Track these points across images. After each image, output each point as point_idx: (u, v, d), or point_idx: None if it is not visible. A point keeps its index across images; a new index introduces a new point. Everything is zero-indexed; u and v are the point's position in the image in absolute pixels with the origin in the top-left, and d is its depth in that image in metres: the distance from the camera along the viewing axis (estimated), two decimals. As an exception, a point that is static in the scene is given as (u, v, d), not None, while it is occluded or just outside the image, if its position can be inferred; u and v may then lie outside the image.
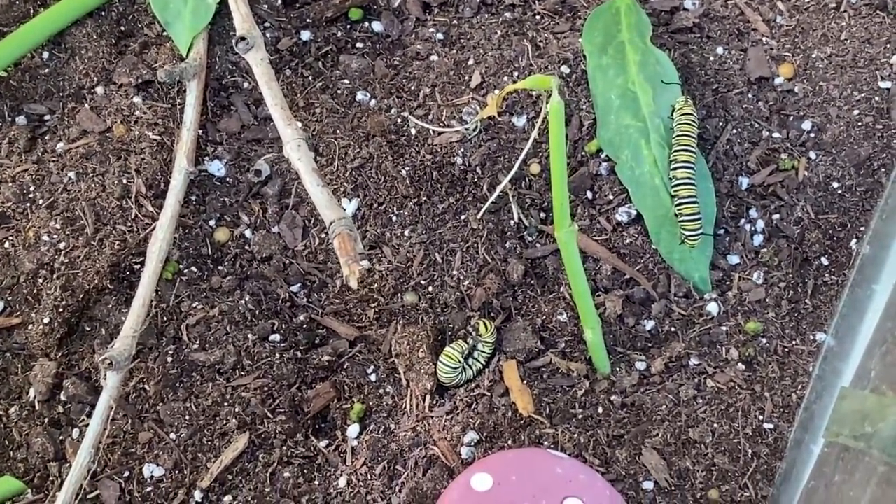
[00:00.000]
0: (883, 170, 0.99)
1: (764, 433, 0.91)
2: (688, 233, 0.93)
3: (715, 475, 0.89)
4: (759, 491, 0.89)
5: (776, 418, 0.91)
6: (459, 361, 0.90)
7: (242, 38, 0.93)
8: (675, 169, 0.94)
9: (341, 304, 0.95)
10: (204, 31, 1.00)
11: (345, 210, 0.87)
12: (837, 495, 0.88)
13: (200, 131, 0.98)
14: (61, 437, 0.91)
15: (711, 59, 1.04)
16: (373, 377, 0.93)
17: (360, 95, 1.01)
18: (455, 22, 1.05)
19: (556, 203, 0.84)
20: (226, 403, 0.90)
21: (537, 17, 1.05)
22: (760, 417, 0.91)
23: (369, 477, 0.88)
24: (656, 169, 0.96)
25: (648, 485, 0.88)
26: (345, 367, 0.93)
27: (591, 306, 0.89)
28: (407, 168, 0.97)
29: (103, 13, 1.02)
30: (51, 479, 0.90)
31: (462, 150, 0.98)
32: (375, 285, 0.94)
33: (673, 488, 0.88)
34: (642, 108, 0.98)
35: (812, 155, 1.00)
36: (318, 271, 0.95)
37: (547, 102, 0.80)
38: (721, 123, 1.01)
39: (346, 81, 1.02)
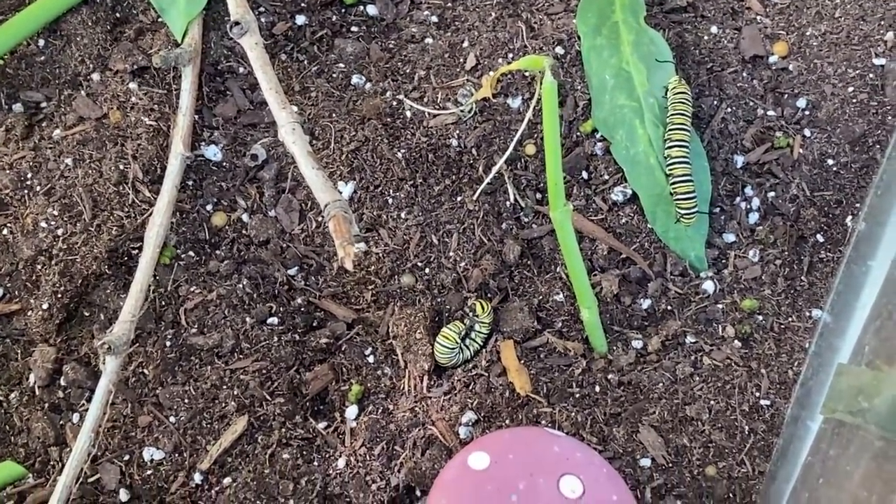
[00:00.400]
0: (878, 146, 1.00)
1: (761, 410, 0.91)
2: (683, 211, 0.93)
3: (712, 452, 0.89)
4: (756, 467, 0.89)
5: (773, 395, 0.92)
6: (456, 342, 0.90)
7: (237, 23, 0.93)
8: (669, 148, 0.94)
9: (339, 286, 0.95)
10: (199, 16, 1.00)
11: (340, 193, 0.87)
12: (834, 470, 0.88)
13: (196, 116, 0.99)
14: (61, 422, 0.91)
15: (706, 38, 1.04)
16: (371, 359, 0.93)
17: (355, 79, 1.01)
18: (449, 4, 1.06)
19: (550, 183, 0.84)
20: (224, 386, 0.91)
21: (531, -2, 1.05)
22: (757, 394, 0.92)
23: (368, 457, 0.89)
24: (651, 148, 0.96)
25: (646, 462, 0.89)
26: (343, 349, 0.93)
27: (588, 286, 0.90)
28: (403, 151, 0.97)
29: (98, 0, 1.03)
30: (51, 463, 0.90)
31: (457, 132, 0.98)
32: (372, 267, 0.94)
33: (670, 465, 0.89)
34: (636, 87, 0.98)
35: (807, 132, 1.00)
36: (315, 254, 0.96)
37: (541, 83, 0.81)
38: (716, 102, 1.01)
39: (342, 65, 1.02)
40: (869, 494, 0.86)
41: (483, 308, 0.91)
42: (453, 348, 0.90)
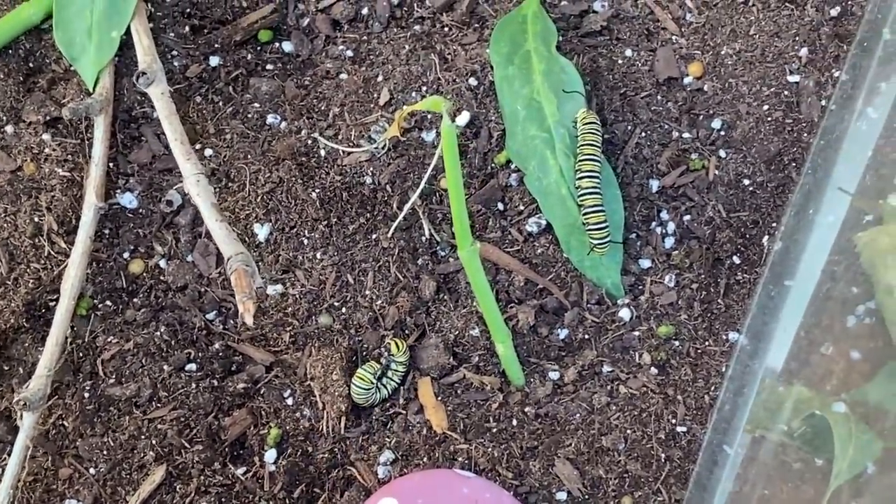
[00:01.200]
0: (793, 164, 1.00)
1: (677, 437, 0.92)
2: (595, 241, 0.93)
3: (628, 482, 0.90)
4: (672, 495, 0.90)
5: (689, 421, 0.93)
6: (372, 382, 0.91)
7: (143, 73, 0.94)
8: (580, 178, 0.94)
9: (257, 329, 0.96)
10: (110, 63, 1.00)
11: (246, 243, 0.88)
12: (750, 496, 0.89)
13: (111, 164, 0.99)
14: (-15, 477, 0.92)
15: (620, 62, 1.04)
16: (289, 401, 0.94)
17: (270, 118, 1.02)
18: (364, 38, 1.06)
19: (456, 224, 0.84)
20: (142, 436, 0.91)
21: (445, 28, 1.05)
22: (673, 421, 0.92)
23: (287, 501, 0.90)
24: (562, 179, 0.97)
25: (562, 495, 0.90)
26: (261, 392, 0.94)
27: (500, 322, 0.90)
28: (317, 190, 0.98)
29: (10, 51, 1.03)
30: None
31: (371, 169, 0.98)
32: (289, 309, 0.95)
33: (586, 497, 0.90)
34: (547, 118, 0.98)
35: (722, 153, 1.00)
36: (232, 297, 0.96)
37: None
38: (629, 127, 1.01)
39: (257, 105, 1.03)
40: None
41: (398, 347, 0.92)
42: (369, 388, 0.91)
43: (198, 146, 0.99)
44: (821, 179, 0.98)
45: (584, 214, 0.94)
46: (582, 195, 0.94)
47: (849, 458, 0.86)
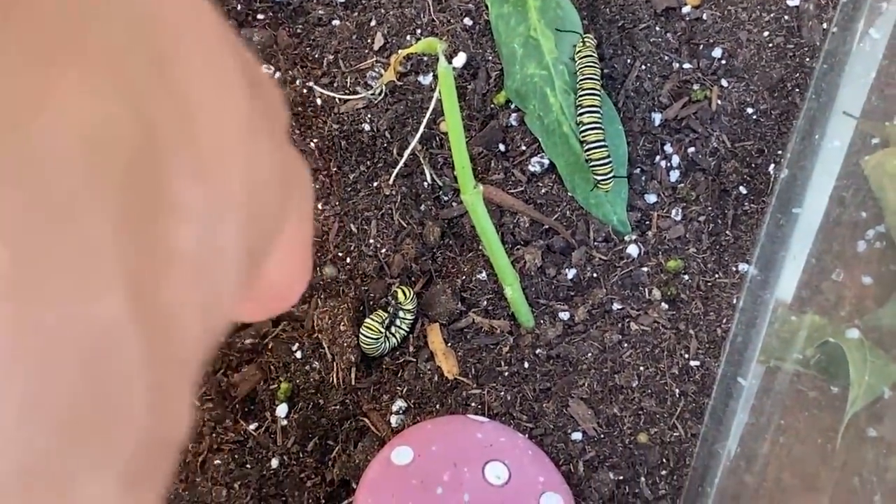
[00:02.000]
0: (797, 90, 0.99)
1: (690, 371, 0.91)
2: (599, 177, 0.92)
3: (643, 419, 0.90)
4: (688, 430, 0.90)
5: (702, 355, 0.92)
6: (380, 331, 0.90)
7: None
8: (581, 114, 0.93)
9: (262, 283, 0.95)
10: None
11: None
12: (767, 426, 0.88)
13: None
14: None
15: (616, -6, 1.02)
16: (298, 354, 0.93)
17: (263, 69, 1.00)
18: (355, -18, 1.04)
19: (458, 168, 0.83)
20: (152, 397, 0.91)
21: (437, -31, 1.03)
22: (686, 356, 0.92)
23: (301, 454, 0.89)
24: (564, 116, 0.95)
25: (577, 435, 0.89)
26: (269, 347, 0.93)
27: (507, 264, 0.89)
28: (315, 140, 0.96)
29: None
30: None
31: (369, 115, 0.97)
32: (294, 262, 0.94)
33: (602, 436, 0.89)
34: (545, 55, 0.97)
35: (724, 83, 0.99)
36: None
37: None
38: (629, 61, 1.00)
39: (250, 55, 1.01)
40: (804, 447, 0.87)
41: (405, 295, 0.90)
42: (377, 338, 0.90)
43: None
44: (825, 104, 0.97)
45: (587, 150, 0.92)
46: (584, 131, 0.93)
47: (864, 383, 0.85)
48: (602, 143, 0.92)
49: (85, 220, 0.22)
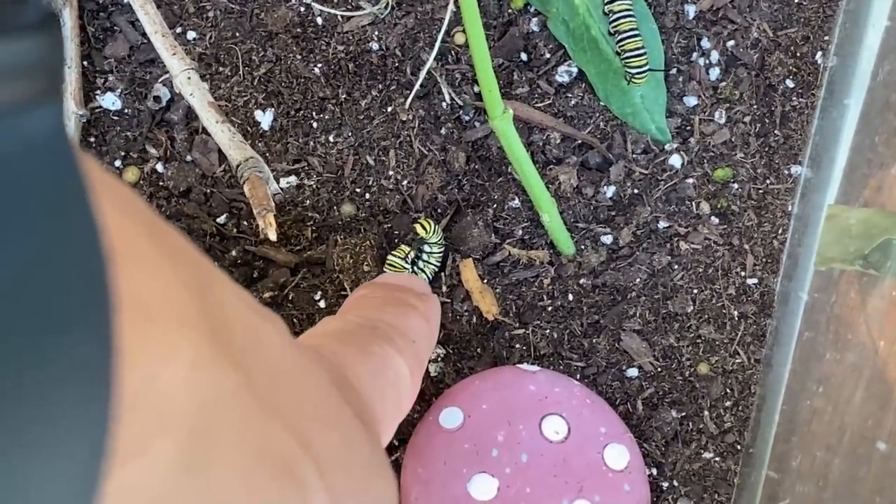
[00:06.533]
0: (841, -33, 0.90)
1: (749, 290, 0.84)
2: (633, 71, 0.83)
3: (702, 347, 0.83)
4: (751, 356, 0.83)
5: (760, 271, 0.85)
6: (404, 266, 0.82)
7: (106, -43, 0.82)
8: (610, 2, 0.84)
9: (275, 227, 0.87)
10: (66, -53, 0.88)
11: (251, 149, 0.77)
12: (834, 343, 0.82)
13: (86, 63, 0.88)
14: None
15: None
16: (322, 303, 0.85)
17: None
18: None
19: (483, 90, 0.74)
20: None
21: None
22: (743, 274, 0.84)
23: (337, 414, 0.82)
24: (591, 19, 0.86)
25: (633, 372, 0.82)
26: (290, 298, 0.85)
27: (543, 189, 0.81)
28: (320, 65, 0.87)
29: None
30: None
31: (376, 33, 0.88)
32: (308, 202, 0.85)
33: (659, 370, 0.83)
34: (566, -49, 0.87)
35: (762, -35, 0.90)
36: (243, 196, 0.87)
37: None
38: (657, -52, 0.90)
39: (237, -28, 0.91)
40: (874, 359, 0.81)
41: (426, 228, 0.82)
42: (402, 272, 0.82)
43: (178, 30, 0.88)
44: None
45: (619, 41, 0.83)
46: (614, 21, 0.84)
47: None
48: (636, 32, 0.83)
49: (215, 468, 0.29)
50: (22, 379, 0.21)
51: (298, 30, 0.88)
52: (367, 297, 0.71)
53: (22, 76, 0.24)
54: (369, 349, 0.59)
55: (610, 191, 0.86)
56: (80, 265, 0.23)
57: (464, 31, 0.87)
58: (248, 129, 0.86)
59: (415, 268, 0.83)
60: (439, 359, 0.82)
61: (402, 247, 0.83)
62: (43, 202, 0.23)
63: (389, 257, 0.83)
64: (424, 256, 0.83)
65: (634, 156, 0.87)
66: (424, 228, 0.82)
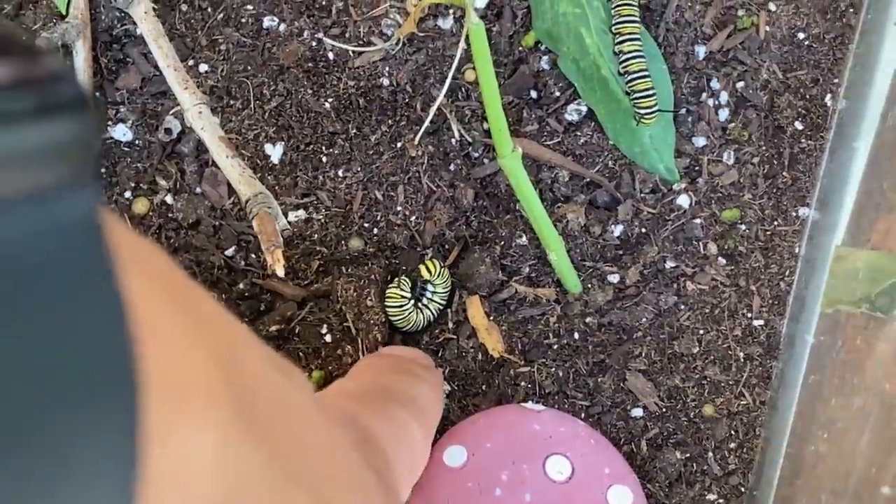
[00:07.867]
0: (851, 10, 0.90)
1: (755, 332, 0.84)
2: (642, 111, 0.84)
3: (707, 389, 0.83)
4: (756, 397, 0.83)
5: (766, 313, 0.85)
6: (403, 298, 0.82)
7: (120, -10, 0.83)
8: (620, 43, 0.84)
9: (283, 261, 0.87)
10: (81, -21, 0.89)
11: (260, 185, 0.77)
12: (840, 387, 0.82)
13: (98, 93, 0.89)
14: None
15: (648, -86, 0.93)
16: (328, 338, 0.85)
17: (267, 21, 0.90)
18: (360, -84, 0.94)
19: (493, 130, 0.75)
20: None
21: None
22: (749, 315, 0.84)
23: (341, 449, 0.82)
24: (602, 58, 0.86)
25: (638, 412, 0.82)
26: (297, 332, 0.85)
27: (551, 228, 0.81)
28: (330, 99, 0.87)
29: (-33, -24, 0.91)
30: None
31: (387, 68, 0.88)
32: (316, 235, 0.86)
33: (664, 410, 0.82)
34: (577, -10, 0.87)
35: (772, 6, 0.90)
36: (251, 229, 0.87)
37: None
38: (667, -11, 0.91)
39: (250, 7, 0.91)
40: (880, 404, 0.80)
41: (430, 270, 0.82)
42: (402, 306, 0.82)
43: (190, 62, 0.89)
44: (880, 21, 0.89)
45: (629, 82, 0.84)
46: (625, 61, 0.84)
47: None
48: (645, 73, 0.83)
49: None
50: (44, 461, 0.21)
51: (310, 64, 0.88)
52: (376, 364, 0.72)
53: (57, 157, 0.24)
54: (388, 412, 0.60)
55: (618, 230, 0.86)
56: (105, 347, 0.23)
57: (474, 68, 0.87)
58: (258, 162, 0.87)
59: (419, 304, 0.83)
60: (444, 394, 0.82)
61: (403, 278, 0.83)
62: (69, 284, 0.23)
63: (388, 289, 0.83)
64: (428, 295, 0.83)
65: (643, 195, 0.87)
66: (429, 270, 0.82)
